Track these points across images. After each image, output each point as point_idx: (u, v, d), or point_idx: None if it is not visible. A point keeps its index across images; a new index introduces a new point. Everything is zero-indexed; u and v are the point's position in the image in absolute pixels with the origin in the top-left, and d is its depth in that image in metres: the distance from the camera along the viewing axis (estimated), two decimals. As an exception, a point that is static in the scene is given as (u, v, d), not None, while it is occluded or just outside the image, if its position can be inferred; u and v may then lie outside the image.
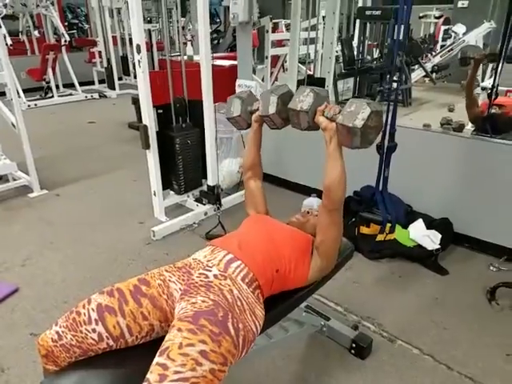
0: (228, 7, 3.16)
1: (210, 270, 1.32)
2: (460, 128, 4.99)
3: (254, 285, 1.34)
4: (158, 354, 1.07)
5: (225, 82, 3.39)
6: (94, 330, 1.20)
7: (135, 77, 8.61)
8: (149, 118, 2.78)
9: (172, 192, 3.24)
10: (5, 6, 6.09)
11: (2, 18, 5.09)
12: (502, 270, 2.46)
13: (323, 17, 4.74)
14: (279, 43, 5.45)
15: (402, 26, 2.03)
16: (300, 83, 3.93)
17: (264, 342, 1.68)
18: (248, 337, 1.22)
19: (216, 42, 8.20)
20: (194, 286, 1.27)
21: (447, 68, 6.60)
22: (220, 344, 1.09)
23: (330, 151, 1.40)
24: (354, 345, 1.88)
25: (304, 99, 1.42)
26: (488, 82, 5.33)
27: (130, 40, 8.49)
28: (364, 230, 2.39)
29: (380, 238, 2.16)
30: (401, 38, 2.12)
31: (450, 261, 2.57)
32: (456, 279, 2.42)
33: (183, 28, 10.18)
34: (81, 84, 7.39)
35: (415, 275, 2.46)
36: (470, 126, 4.99)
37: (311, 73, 4.97)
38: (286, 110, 1.53)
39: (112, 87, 7.37)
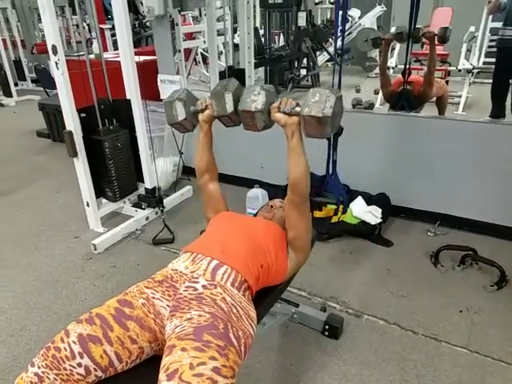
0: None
1: (198, 282, 1.26)
2: (370, 107, 5.31)
3: (243, 287, 1.30)
4: (164, 377, 0.99)
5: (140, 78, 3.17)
6: (79, 365, 1.09)
7: (32, 81, 7.81)
8: (73, 122, 2.56)
9: (105, 200, 3.02)
10: None
11: None
12: (438, 235, 2.69)
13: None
14: (189, 36, 5.32)
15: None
16: (221, 75, 3.88)
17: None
18: (248, 342, 1.19)
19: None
20: (184, 301, 1.20)
21: (349, 51, 6.95)
22: (227, 357, 1.05)
23: (292, 146, 1.38)
24: (327, 326, 1.92)
25: (256, 98, 1.37)
26: (390, 62, 5.73)
27: (22, 42, 7.74)
28: (317, 214, 2.44)
29: (335, 219, 2.22)
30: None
31: (391, 232, 2.74)
32: (401, 248, 2.58)
33: (77, 26, 9.51)
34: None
35: (364, 250, 2.59)
36: (378, 105, 5.37)
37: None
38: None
39: (8, 94, 6.64)
